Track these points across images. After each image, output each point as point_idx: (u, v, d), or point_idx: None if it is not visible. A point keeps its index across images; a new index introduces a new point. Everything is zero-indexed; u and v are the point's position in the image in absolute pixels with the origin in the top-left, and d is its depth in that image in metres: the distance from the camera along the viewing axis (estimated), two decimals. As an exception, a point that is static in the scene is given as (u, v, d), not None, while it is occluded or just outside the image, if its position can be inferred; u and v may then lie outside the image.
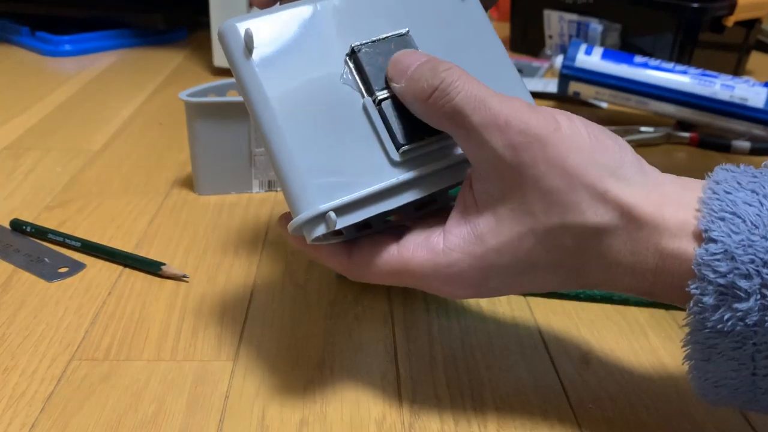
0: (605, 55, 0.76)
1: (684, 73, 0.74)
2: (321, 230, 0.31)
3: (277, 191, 0.61)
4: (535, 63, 1.01)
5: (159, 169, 0.65)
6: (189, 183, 0.62)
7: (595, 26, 0.94)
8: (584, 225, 0.30)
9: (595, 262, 0.31)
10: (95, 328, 0.42)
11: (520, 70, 0.98)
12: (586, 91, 0.78)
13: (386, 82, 0.33)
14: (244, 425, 0.35)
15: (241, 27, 0.32)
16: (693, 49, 0.87)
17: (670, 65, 0.75)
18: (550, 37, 1.02)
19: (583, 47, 0.77)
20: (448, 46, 0.35)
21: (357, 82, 0.33)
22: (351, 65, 0.34)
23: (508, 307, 0.45)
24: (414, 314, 0.44)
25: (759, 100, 0.72)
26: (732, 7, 0.87)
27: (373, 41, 0.34)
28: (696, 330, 0.30)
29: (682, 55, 0.87)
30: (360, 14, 0.34)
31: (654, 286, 0.31)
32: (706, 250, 0.29)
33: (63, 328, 0.42)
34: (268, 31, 0.33)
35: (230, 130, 0.58)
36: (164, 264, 0.48)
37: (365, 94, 0.33)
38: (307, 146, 0.32)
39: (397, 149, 0.33)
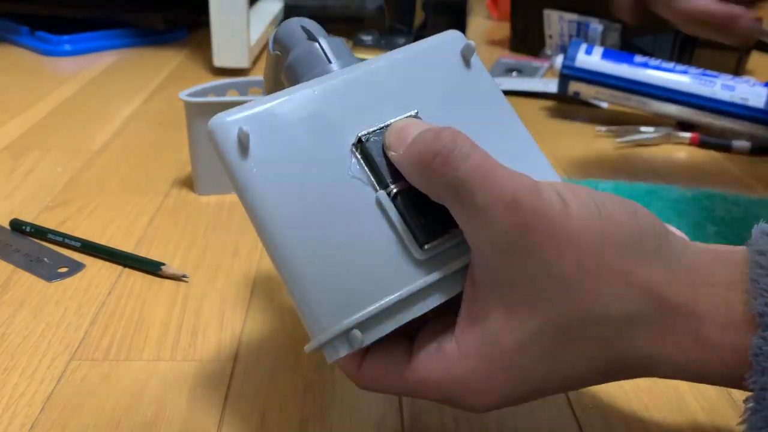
0: (605, 55, 0.76)
1: (684, 72, 0.74)
2: (344, 350, 0.28)
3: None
4: (535, 63, 1.01)
5: (159, 168, 0.65)
6: (189, 183, 0.62)
7: (595, 26, 0.94)
8: (605, 314, 0.27)
9: (632, 353, 0.27)
10: (95, 328, 0.42)
11: (520, 70, 0.99)
12: (586, 91, 0.78)
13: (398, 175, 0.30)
14: (244, 425, 0.35)
15: (234, 124, 0.29)
16: (693, 48, 0.87)
17: (671, 65, 0.75)
18: (550, 36, 1.02)
19: (584, 47, 0.77)
20: (457, 119, 0.31)
21: (367, 175, 0.30)
22: (359, 156, 0.30)
23: (508, 307, 0.45)
24: (414, 314, 0.44)
25: (759, 100, 0.72)
26: (732, 7, 0.87)
27: (381, 128, 0.30)
28: (756, 429, 0.26)
29: (683, 54, 0.87)
30: (363, 98, 0.31)
31: (702, 377, 0.28)
32: (765, 339, 0.25)
33: (63, 328, 0.42)
34: (263, 125, 0.29)
35: (230, 130, 0.58)
36: (164, 264, 0.48)
37: (378, 188, 0.30)
38: (317, 254, 0.28)
39: (420, 247, 0.29)
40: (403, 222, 0.29)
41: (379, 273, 0.29)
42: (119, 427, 0.35)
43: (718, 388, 0.39)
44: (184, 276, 0.47)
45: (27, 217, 0.55)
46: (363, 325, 0.28)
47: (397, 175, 0.29)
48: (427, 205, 0.29)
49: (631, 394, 0.38)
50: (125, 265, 0.49)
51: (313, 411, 0.36)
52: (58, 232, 0.52)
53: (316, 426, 0.35)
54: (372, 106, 0.31)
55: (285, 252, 0.28)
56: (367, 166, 0.30)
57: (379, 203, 0.29)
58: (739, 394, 0.38)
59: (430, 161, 0.27)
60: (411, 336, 0.30)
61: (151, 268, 0.48)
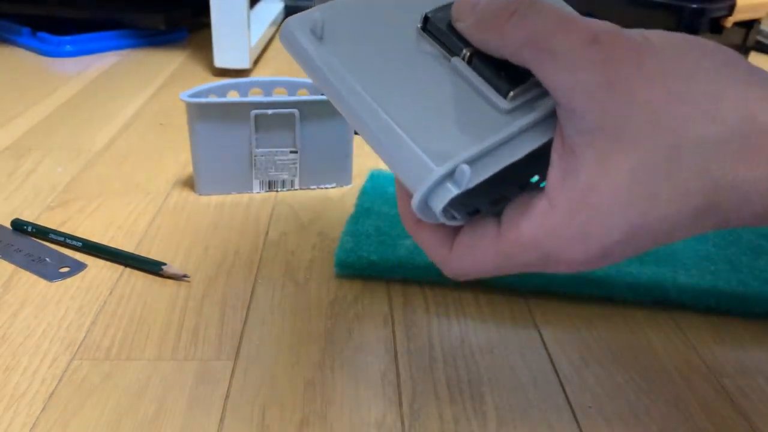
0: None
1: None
2: (453, 190, 0.28)
3: (277, 192, 0.61)
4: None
5: (160, 169, 0.65)
6: (190, 183, 0.62)
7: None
8: (700, 139, 0.26)
9: (726, 182, 0.26)
10: (96, 327, 0.42)
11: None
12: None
13: (466, 42, 0.31)
14: (244, 425, 0.35)
15: (307, 18, 0.31)
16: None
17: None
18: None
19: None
20: None
21: (438, 48, 0.31)
22: (427, 34, 0.31)
23: (507, 307, 0.46)
24: (414, 314, 0.45)
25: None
26: (731, 8, 0.88)
27: (442, 6, 0.32)
28: None
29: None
30: None
31: None
32: None
33: (64, 328, 0.42)
34: (333, 16, 0.31)
35: (231, 131, 0.58)
36: (165, 264, 0.48)
37: (451, 57, 0.31)
38: (409, 118, 0.29)
39: (505, 96, 0.30)
40: (482, 79, 0.30)
41: (472, 128, 0.29)
42: (120, 426, 0.35)
43: (717, 388, 0.39)
44: (185, 276, 0.48)
45: (28, 217, 0.55)
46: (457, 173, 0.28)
47: (467, 44, 0.30)
48: (501, 62, 0.29)
49: (631, 394, 0.38)
50: (126, 265, 0.49)
51: (313, 410, 0.36)
52: (59, 232, 0.52)
53: (317, 425, 0.35)
54: None
55: (380, 120, 0.29)
56: (436, 41, 0.31)
57: (455, 69, 0.30)
58: (739, 395, 0.39)
59: (506, 22, 0.28)
60: (498, 215, 0.30)
61: (153, 268, 0.48)
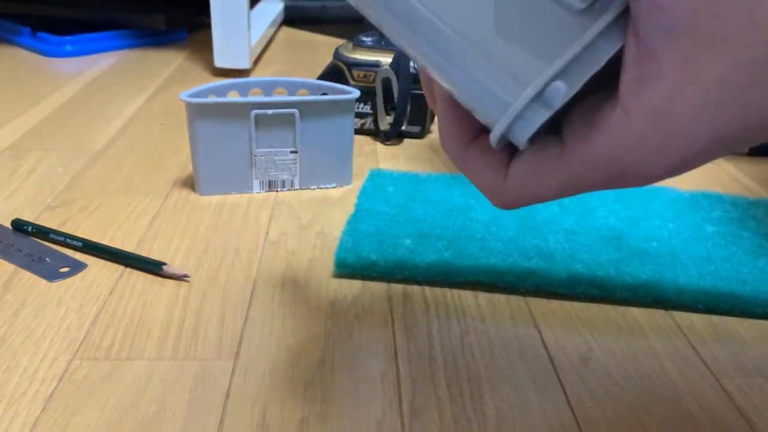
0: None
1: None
2: (545, 114, 0.25)
3: (277, 192, 0.61)
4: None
5: (160, 169, 0.65)
6: (190, 183, 0.62)
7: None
8: None
9: None
10: (96, 327, 0.42)
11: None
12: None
13: None
14: (244, 425, 0.35)
15: None
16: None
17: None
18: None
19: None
20: None
21: None
22: None
23: (507, 306, 0.46)
24: (414, 314, 0.45)
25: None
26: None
27: None
28: None
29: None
30: None
31: None
32: None
33: (64, 328, 0.42)
34: None
35: (231, 131, 0.58)
36: (165, 264, 0.48)
37: None
38: (480, 34, 0.26)
39: None
40: None
41: (547, 37, 0.26)
42: (120, 426, 0.35)
43: (717, 388, 0.39)
44: (185, 276, 0.48)
45: (29, 217, 0.55)
46: (546, 89, 0.25)
47: None
48: None
49: (631, 394, 0.38)
50: (126, 265, 0.49)
51: (313, 410, 0.36)
52: (59, 231, 0.52)
53: (317, 425, 0.35)
54: None
55: (445, 36, 0.26)
56: None
57: None
58: (739, 395, 0.39)
59: None
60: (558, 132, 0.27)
61: (153, 267, 0.48)
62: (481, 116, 0.26)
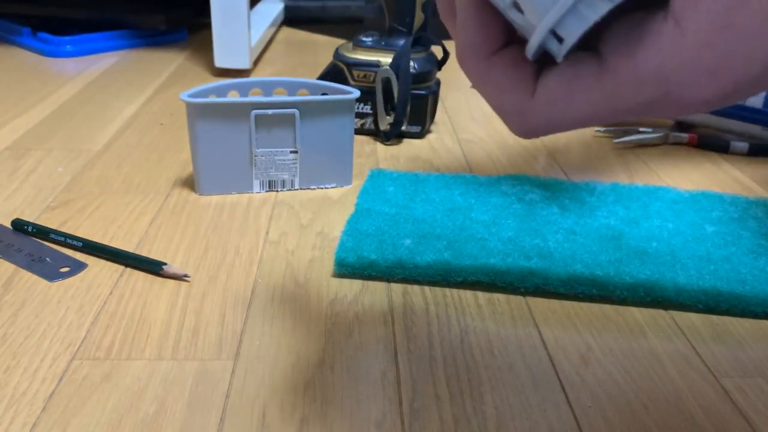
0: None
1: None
2: (604, 8, 0.22)
3: (277, 192, 0.61)
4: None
5: (160, 169, 0.65)
6: (190, 183, 0.62)
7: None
8: None
9: None
10: (96, 327, 0.42)
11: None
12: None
13: None
14: (244, 424, 0.35)
15: None
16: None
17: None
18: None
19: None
20: None
21: None
22: None
23: (507, 306, 0.46)
24: (414, 314, 0.45)
25: (758, 100, 0.72)
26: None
27: None
28: None
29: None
30: None
31: None
32: None
33: (64, 328, 0.42)
34: None
35: (231, 131, 0.58)
36: (165, 264, 0.48)
37: None
38: None
39: None
40: None
41: None
42: (120, 425, 0.35)
43: (717, 388, 0.39)
44: (185, 276, 0.48)
45: (29, 217, 0.55)
46: None
47: None
48: None
49: (631, 394, 0.38)
50: (127, 265, 0.49)
51: (313, 410, 0.36)
52: (59, 231, 0.52)
53: (317, 425, 0.35)
54: None
55: None
56: None
57: None
58: (739, 395, 0.39)
59: None
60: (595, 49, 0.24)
61: (153, 267, 0.48)
62: (527, 11, 0.22)
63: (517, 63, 0.25)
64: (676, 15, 0.22)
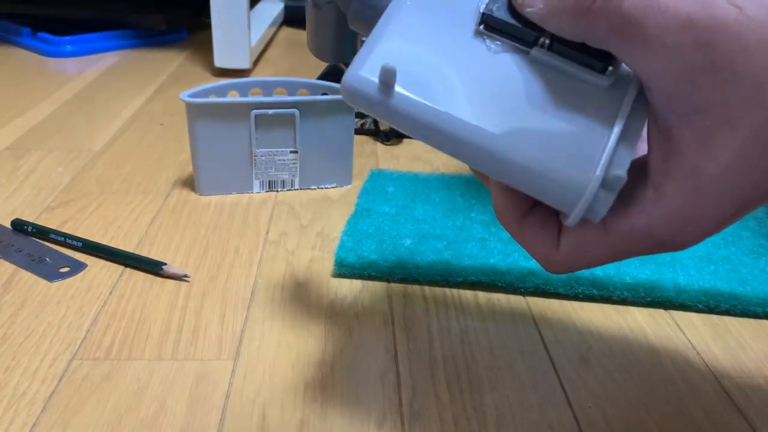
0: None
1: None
2: (611, 198, 0.27)
3: (277, 192, 0.61)
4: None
5: (160, 169, 0.65)
6: (190, 183, 0.62)
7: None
8: None
9: None
10: (96, 327, 0.42)
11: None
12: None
13: (535, 28, 0.28)
14: (244, 425, 0.35)
15: (371, 69, 0.27)
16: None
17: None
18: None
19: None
20: None
21: (509, 43, 0.28)
22: (488, 31, 0.28)
23: (507, 306, 0.46)
24: (414, 314, 0.45)
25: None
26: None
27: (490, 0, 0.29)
28: None
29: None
30: None
31: None
32: None
33: (64, 328, 0.42)
34: (394, 53, 0.28)
35: (231, 131, 0.58)
36: (165, 264, 0.48)
37: (528, 48, 0.28)
38: (526, 136, 0.27)
39: (603, 72, 0.28)
40: (571, 62, 0.28)
41: (585, 120, 0.27)
42: (120, 426, 0.35)
43: (717, 388, 0.39)
44: (185, 276, 0.48)
45: (29, 217, 0.55)
46: (610, 166, 0.26)
47: (539, 30, 0.28)
48: (581, 45, 0.27)
49: (631, 394, 0.38)
50: (126, 265, 0.49)
51: (313, 410, 0.36)
52: (59, 232, 0.52)
53: (317, 425, 0.35)
54: None
55: (502, 150, 0.27)
56: (504, 36, 0.28)
57: (537, 59, 0.28)
58: (739, 395, 0.39)
59: (590, 6, 0.26)
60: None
61: (153, 267, 0.48)
62: (555, 205, 0.28)
63: (544, 222, 0.30)
64: (653, 181, 0.27)
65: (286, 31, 1.30)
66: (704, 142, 0.26)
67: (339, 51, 0.32)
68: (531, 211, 0.30)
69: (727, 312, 0.46)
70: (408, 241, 0.50)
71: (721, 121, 0.26)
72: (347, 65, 0.29)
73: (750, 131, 0.26)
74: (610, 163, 0.26)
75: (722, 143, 0.26)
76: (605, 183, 0.27)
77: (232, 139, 0.58)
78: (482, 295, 0.47)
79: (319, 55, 0.41)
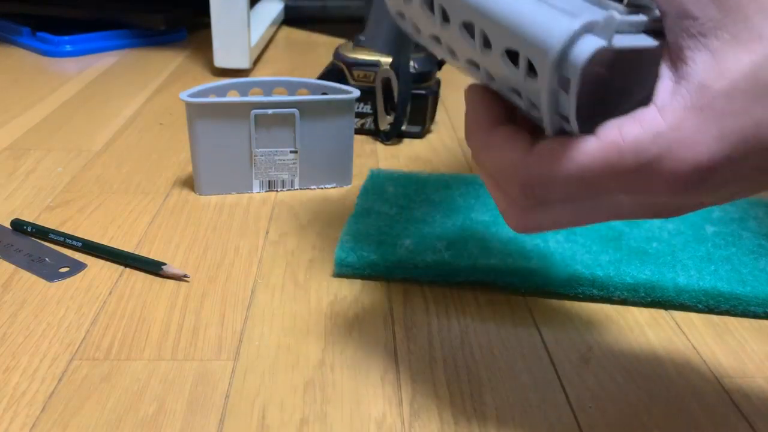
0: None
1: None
2: (598, 42, 0.25)
3: (277, 192, 0.61)
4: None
5: (160, 169, 0.65)
6: (190, 183, 0.62)
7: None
8: None
9: None
10: (96, 327, 0.42)
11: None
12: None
13: None
14: (244, 425, 0.35)
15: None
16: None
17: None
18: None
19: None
20: None
21: None
22: None
23: (507, 306, 0.46)
24: (414, 314, 0.45)
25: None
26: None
27: None
28: None
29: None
30: None
31: None
32: None
33: (64, 328, 0.42)
34: None
35: (231, 131, 0.58)
36: (165, 264, 0.48)
37: None
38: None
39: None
40: None
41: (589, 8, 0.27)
42: (120, 426, 0.35)
43: (717, 388, 0.39)
44: (185, 276, 0.48)
45: (28, 217, 0.55)
46: (596, 16, 0.25)
47: None
48: None
49: (631, 394, 0.38)
50: (126, 265, 0.49)
51: (313, 410, 0.36)
52: (59, 232, 0.52)
53: (316, 425, 0.35)
54: None
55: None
56: None
57: None
58: (739, 395, 0.39)
59: None
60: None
61: (152, 267, 0.48)
62: (534, 43, 0.26)
63: (517, 130, 0.29)
64: (657, 102, 0.26)
65: (286, 31, 1.30)
66: (716, 61, 0.25)
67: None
68: (504, 123, 0.30)
69: (727, 312, 0.46)
70: (408, 241, 0.50)
71: (736, 38, 0.25)
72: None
73: (763, 56, 0.25)
74: (596, 18, 0.25)
75: (734, 62, 0.25)
76: (589, 26, 0.25)
77: (232, 139, 0.58)
78: (482, 295, 0.47)
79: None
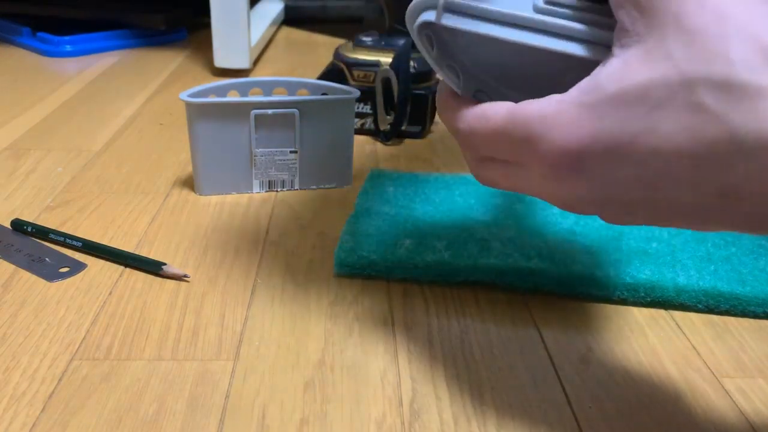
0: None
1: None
2: (428, 16, 0.31)
3: (277, 192, 0.61)
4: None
5: (160, 169, 0.65)
6: (190, 183, 0.62)
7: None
8: (731, 80, 0.24)
9: (750, 134, 0.24)
10: (96, 327, 0.42)
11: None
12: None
13: None
14: (244, 425, 0.35)
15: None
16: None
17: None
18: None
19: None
20: None
21: None
22: None
23: (507, 307, 0.46)
24: (414, 314, 0.45)
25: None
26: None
27: None
28: None
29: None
30: None
31: None
32: None
33: (64, 328, 0.42)
34: None
35: (231, 131, 0.58)
36: (165, 264, 0.48)
37: None
38: None
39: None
40: None
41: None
42: (120, 426, 0.35)
43: (717, 388, 0.39)
44: (185, 276, 0.48)
45: (28, 217, 0.55)
46: (455, 8, 0.31)
47: None
48: None
49: (631, 394, 0.38)
50: (126, 265, 0.49)
51: (313, 410, 0.36)
52: (59, 232, 0.52)
53: (316, 425, 0.35)
54: None
55: None
56: None
57: None
58: (739, 395, 0.39)
59: None
60: None
61: (152, 267, 0.48)
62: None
63: (469, 99, 0.32)
64: (567, 92, 0.28)
65: (286, 31, 1.30)
66: (621, 69, 0.26)
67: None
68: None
69: (727, 312, 0.46)
70: (408, 241, 0.50)
71: (648, 55, 0.26)
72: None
73: (662, 77, 0.25)
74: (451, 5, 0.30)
75: (633, 73, 0.26)
76: (431, 3, 0.31)
77: (232, 139, 0.58)
78: (482, 295, 0.47)
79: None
